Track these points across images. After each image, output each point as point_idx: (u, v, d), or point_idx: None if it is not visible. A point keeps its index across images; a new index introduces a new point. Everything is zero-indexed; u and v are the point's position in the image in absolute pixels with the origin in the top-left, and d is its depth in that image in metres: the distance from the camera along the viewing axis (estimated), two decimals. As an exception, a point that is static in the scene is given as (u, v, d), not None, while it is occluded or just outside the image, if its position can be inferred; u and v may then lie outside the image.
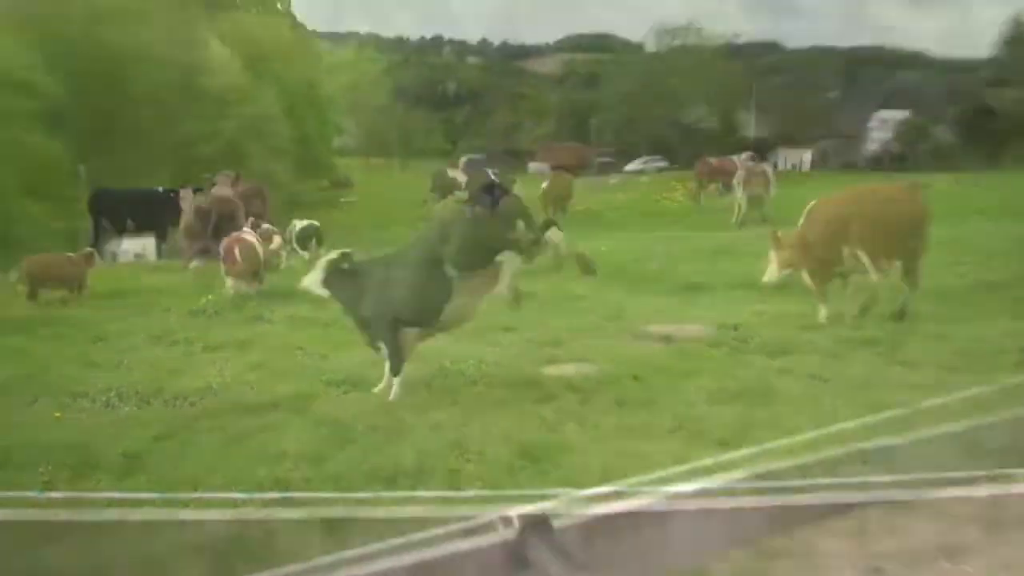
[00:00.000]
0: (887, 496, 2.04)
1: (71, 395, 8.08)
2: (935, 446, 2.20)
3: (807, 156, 57.04)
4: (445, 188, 31.12)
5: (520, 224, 7.39)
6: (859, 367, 7.97)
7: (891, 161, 54.92)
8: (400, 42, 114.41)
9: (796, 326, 10.14)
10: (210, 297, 14.09)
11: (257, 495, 4.71)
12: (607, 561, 1.88)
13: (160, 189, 29.35)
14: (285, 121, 41.22)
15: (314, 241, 18.85)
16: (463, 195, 25.75)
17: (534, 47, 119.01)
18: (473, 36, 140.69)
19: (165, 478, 5.55)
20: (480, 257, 7.26)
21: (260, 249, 15.05)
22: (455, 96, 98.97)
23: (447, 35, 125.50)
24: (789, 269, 11.11)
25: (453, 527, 1.91)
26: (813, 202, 10.95)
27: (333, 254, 8.28)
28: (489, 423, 6.47)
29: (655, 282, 14.48)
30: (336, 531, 2.11)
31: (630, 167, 63.52)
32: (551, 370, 8.40)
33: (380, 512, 2.04)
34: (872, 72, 68.21)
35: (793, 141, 60.60)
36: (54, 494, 4.91)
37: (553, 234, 7.53)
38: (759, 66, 71.56)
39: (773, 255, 11.37)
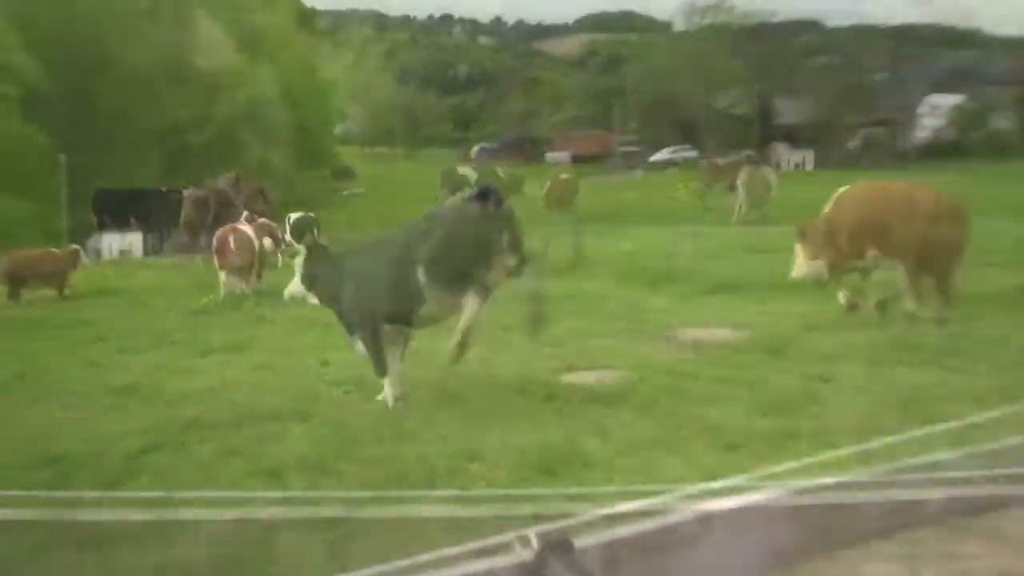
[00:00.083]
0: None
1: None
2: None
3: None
4: (455, 186, 31.48)
5: (504, 238, 7.31)
6: (907, 375, 7.92)
7: (943, 151, 54.50)
8: (406, 21, 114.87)
9: (835, 329, 10.11)
10: (210, 297, 14.19)
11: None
12: (634, 585, 1.89)
13: (163, 189, 29.77)
14: (282, 106, 41.29)
15: (310, 235, 18.89)
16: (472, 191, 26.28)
17: (552, 26, 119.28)
18: (486, 14, 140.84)
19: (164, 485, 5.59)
20: (452, 268, 7.21)
21: (256, 242, 15.07)
22: (466, 80, 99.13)
23: (457, 13, 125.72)
24: (817, 261, 11.13)
25: (466, 547, 1.91)
26: (844, 188, 10.98)
27: (305, 240, 8.44)
28: (502, 435, 6.47)
29: (682, 282, 14.46)
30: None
31: (656, 157, 63.40)
32: (570, 377, 8.39)
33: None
34: (922, 52, 67.76)
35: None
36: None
37: (527, 277, 7.49)
38: (797, 46, 71.23)
39: (799, 248, 11.40)
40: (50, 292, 16.21)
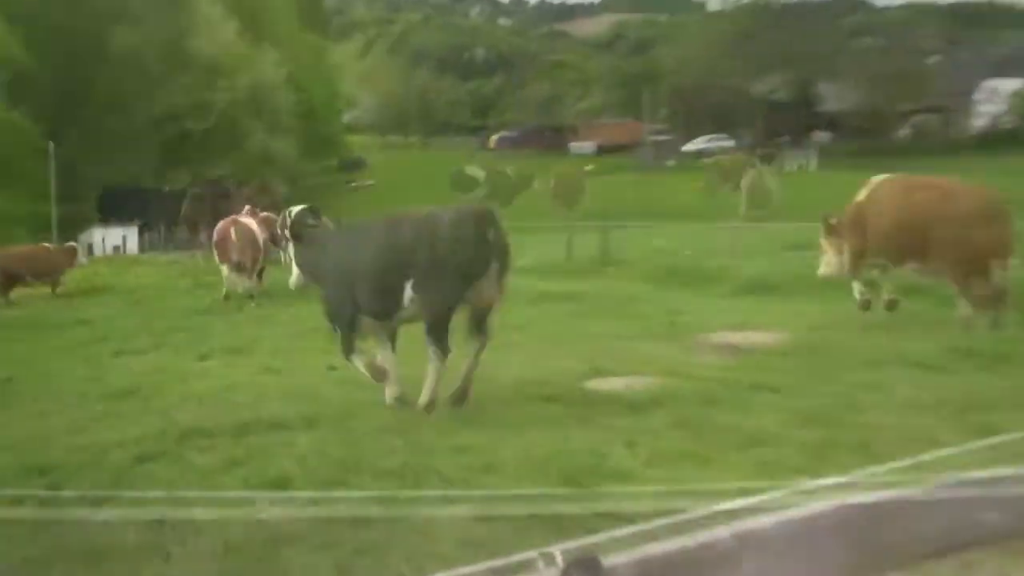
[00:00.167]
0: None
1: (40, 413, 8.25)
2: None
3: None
4: (463, 187, 31.81)
5: (495, 268, 7.51)
6: (960, 382, 7.86)
7: (1001, 139, 54.04)
8: (419, 0, 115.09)
9: (880, 331, 10.10)
10: (213, 297, 14.29)
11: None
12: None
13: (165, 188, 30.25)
14: (287, 92, 41.40)
15: (299, 224, 18.93)
16: (482, 191, 26.91)
17: (577, 6, 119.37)
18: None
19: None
20: (440, 292, 7.45)
21: (260, 236, 15.03)
22: (484, 63, 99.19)
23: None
24: (844, 256, 11.18)
25: (485, 565, 1.92)
26: (881, 177, 10.97)
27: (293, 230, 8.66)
28: (521, 445, 6.46)
29: (716, 281, 14.43)
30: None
31: (689, 146, 63.25)
32: (596, 383, 8.39)
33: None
34: (980, 33, 67.26)
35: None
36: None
37: (477, 353, 7.65)
38: (843, 27, 70.85)
39: (825, 243, 11.45)
40: (42, 290, 16.36)
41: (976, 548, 3.18)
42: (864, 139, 57.64)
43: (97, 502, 5.24)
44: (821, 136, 64.26)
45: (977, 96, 60.97)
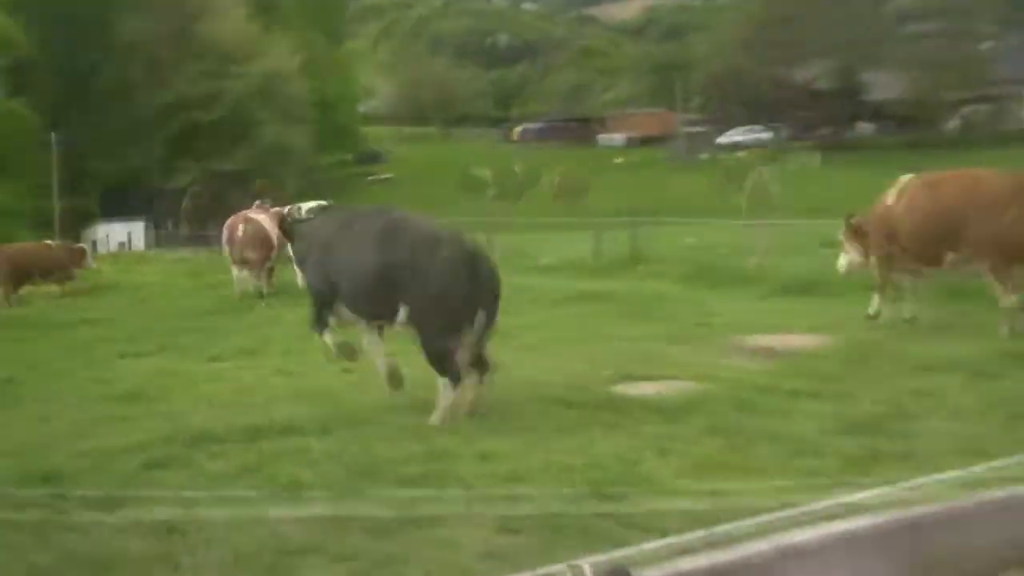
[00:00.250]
0: None
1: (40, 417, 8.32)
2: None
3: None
4: (472, 188, 32.18)
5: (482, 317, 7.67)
6: (1014, 388, 7.81)
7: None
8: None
9: (927, 334, 10.08)
10: (224, 296, 14.38)
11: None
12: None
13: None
14: (302, 81, 41.48)
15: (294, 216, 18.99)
16: (492, 191, 27.77)
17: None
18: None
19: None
20: (433, 326, 7.64)
21: (271, 232, 15.00)
22: (508, 50, 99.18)
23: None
24: (863, 258, 11.29)
25: (510, 577, 1.93)
26: (908, 176, 10.91)
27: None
28: (550, 453, 6.47)
29: (751, 280, 14.41)
30: None
31: (725, 138, 62.99)
32: (626, 388, 8.39)
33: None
34: (1035, 18, 66.54)
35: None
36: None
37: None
38: (889, 11, 70.29)
39: (845, 243, 11.54)
40: (47, 288, 16.53)
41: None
42: (911, 131, 57.20)
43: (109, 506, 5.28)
44: (864, 127, 63.84)
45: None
